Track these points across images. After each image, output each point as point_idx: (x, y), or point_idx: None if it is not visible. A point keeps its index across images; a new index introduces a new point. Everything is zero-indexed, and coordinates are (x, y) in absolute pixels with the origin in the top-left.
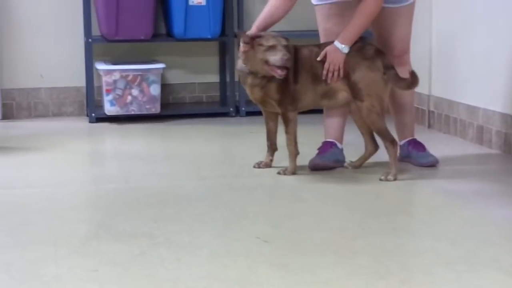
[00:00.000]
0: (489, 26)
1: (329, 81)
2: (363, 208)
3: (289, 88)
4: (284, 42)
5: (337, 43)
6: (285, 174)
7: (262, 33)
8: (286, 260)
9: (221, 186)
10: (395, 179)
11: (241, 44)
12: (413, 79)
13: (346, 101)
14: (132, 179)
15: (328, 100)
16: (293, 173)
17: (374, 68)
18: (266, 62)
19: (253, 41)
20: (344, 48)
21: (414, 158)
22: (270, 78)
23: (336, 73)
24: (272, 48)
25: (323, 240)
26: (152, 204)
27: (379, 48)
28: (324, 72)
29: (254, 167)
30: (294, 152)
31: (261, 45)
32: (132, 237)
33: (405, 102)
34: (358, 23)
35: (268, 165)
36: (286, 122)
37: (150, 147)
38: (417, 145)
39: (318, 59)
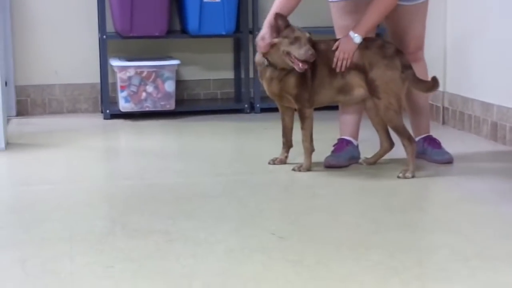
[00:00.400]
0: (504, 23)
1: (337, 69)
2: (378, 204)
3: (307, 84)
4: (308, 35)
5: (351, 33)
6: (300, 170)
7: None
8: (302, 256)
9: (236, 183)
10: (413, 176)
11: (267, 32)
12: (434, 84)
13: (362, 97)
14: (147, 175)
15: (344, 95)
16: (308, 169)
17: (392, 66)
18: (288, 54)
19: (283, 27)
20: (356, 38)
21: (429, 155)
22: (288, 72)
23: (345, 62)
24: (297, 40)
25: (338, 236)
26: (168, 200)
27: (398, 47)
28: (335, 59)
29: (269, 163)
30: (309, 149)
31: (286, 36)
32: (147, 234)
33: (420, 101)
34: (372, 15)
35: (283, 161)
36: (303, 118)
37: (165, 143)
38: (433, 142)
39: (333, 48)
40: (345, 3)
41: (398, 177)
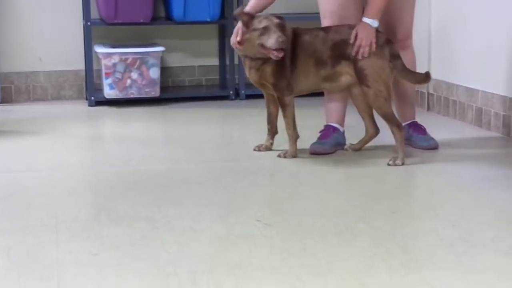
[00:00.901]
0: (488, 9)
1: (360, 56)
2: (364, 191)
3: (285, 72)
4: (277, 21)
5: (366, 19)
6: (285, 157)
7: (254, 14)
8: (288, 243)
9: (222, 169)
10: (403, 164)
11: (240, 27)
12: (426, 78)
13: (349, 84)
14: (132, 162)
15: (330, 83)
16: (294, 156)
17: (381, 56)
18: (262, 46)
19: (251, 21)
20: (374, 22)
21: (414, 141)
22: (265, 61)
23: (368, 48)
24: (266, 30)
25: (324, 223)
26: (153, 187)
27: (388, 36)
28: (355, 49)
29: (254, 150)
30: (293, 136)
31: (255, 29)
32: (133, 221)
33: (408, 89)
34: None
35: (268, 148)
36: (283, 106)
37: (150, 130)
38: (418, 128)
39: (351, 40)
40: None
41: (388, 164)
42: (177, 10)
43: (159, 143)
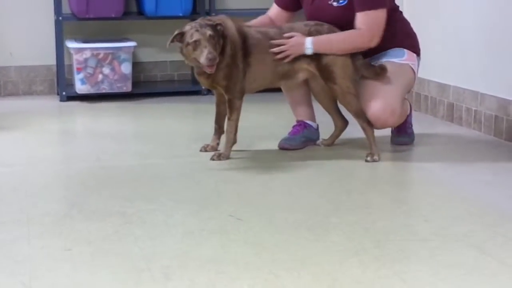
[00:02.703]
0: (458, 3)
1: (275, 57)
2: (336, 186)
3: (238, 75)
4: (209, 33)
5: (308, 41)
6: (219, 159)
7: (186, 28)
8: (260, 238)
9: (194, 165)
10: (379, 159)
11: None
12: (382, 72)
13: (304, 79)
14: (104, 157)
15: (286, 80)
16: (228, 158)
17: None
18: (196, 60)
19: (182, 37)
20: (309, 50)
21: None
22: (216, 66)
23: (286, 58)
24: (197, 44)
25: (297, 218)
26: (125, 182)
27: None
28: (276, 49)
29: (201, 150)
30: (232, 140)
31: (187, 43)
32: (105, 216)
33: None
34: (338, 43)
35: (215, 148)
36: (232, 109)
37: (122, 125)
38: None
39: (285, 35)
40: None
41: (366, 161)
42: (149, 5)
43: (131, 138)
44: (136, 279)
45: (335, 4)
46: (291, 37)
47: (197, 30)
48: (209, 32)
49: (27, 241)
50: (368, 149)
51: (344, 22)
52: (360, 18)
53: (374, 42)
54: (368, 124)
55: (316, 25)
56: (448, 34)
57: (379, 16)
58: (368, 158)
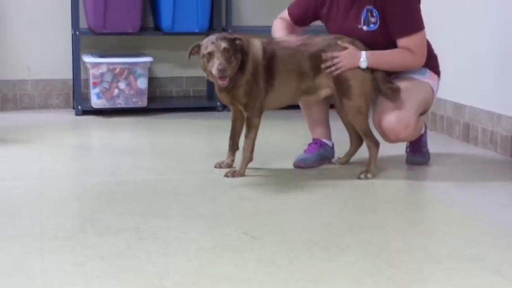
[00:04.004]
0: (475, 24)
1: (325, 69)
2: (350, 205)
3: (258, 93)
4: (223, 45)
5: (363, 54)
6: (233, 176)
7: (204, 40)
8: (274, 256)
9: (208, 181)
10: (372, 177)
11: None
12: (395, 92)
13: (326, 96)
14: (118, 172)
15: (307, 96)
16: (242, 176)
17: None
18: (211, 73)
19: (198, 49)
20: (363, 63)
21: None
22: (235, 84)
23: (336, 71)
24: (210, 55)
25: (311, 237)
26: (139, 198)
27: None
28: (328, 62)
29: (215, 167)
30: (248, 159)
31: (203, 55)
32: (118, 232)
33: None
34: (391, 59)
35: (230, 165)
36: (250, 126)
37: (137, 140)
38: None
39: (335, 54)
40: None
41: (359, 178)
42: (166, 21)
43: (146, 154)
44: None
45: (365, 28)
46: (344, 48)
47: (212, 42)
48: (223, 44)
49: (40, 256)
50: (365, 167)
51: (374, 46)
52: (405, 42)
53: (422, 63)
54: (374, 144)
55: (335, 38)
56: (463, 54)
57: (423, 37)
58: (362, 176)
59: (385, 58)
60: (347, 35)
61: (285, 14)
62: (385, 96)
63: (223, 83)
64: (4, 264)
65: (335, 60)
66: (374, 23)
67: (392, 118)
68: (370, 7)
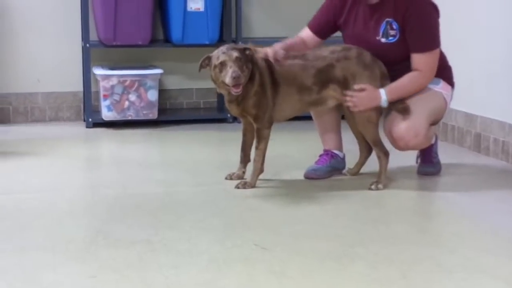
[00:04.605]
0: (487, 33)
1: (345, 105)
2: (361, 215)
3: (267, 103)
4: (235, 55)
5: (382, 93)
6: (244, 188)
7: (214, 52)
8: (285, 267)
9: (219, 193)
10: (383, 188)
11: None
12: (406, 111)
13: (334, 106)
14: (129, 185)
15: (315, 107)
16: (253, 187)
17: (374, 77)
18: (223, 83)
19: (209, 61)
20: (384, 102)
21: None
22: (244, 95)
23: (356, 109)
24: (222, 65)
25: (322, 248)
26: (150, 210)
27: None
28: (349, 102)
29: (226, 178)
30: (259, 170)
31: (214, 66)
32: (130, 244)
33: None
34: (407, 88)
35: (241, 177)
36: (260, 138)
37: (148, 152)
38: (423, 154)
39: (356, 87)
40: None
41: (370, 188)
42: (176, 33)
43: (156, 166)
44: None
45: (383, 40)
46: (363, 88)
47: (223, 53)
48: (235, 54)
49: (52, 268)
50: (376, 177)
51: (392, 58)
52: (419, 59)
53: (431, 79)
54: (384, 154)
55: (343, 50)
56: (475, 65)
57: (436, 56)
58: (373, 187)
59: (401, 91)
60: (364, 46)
61: (303, 32)
62: (396, 112)
63: (237, 90)
64: (16, 277)
65: (355, 99)
66: (394, 36)
67: (402, 126)
68: (390, 19)
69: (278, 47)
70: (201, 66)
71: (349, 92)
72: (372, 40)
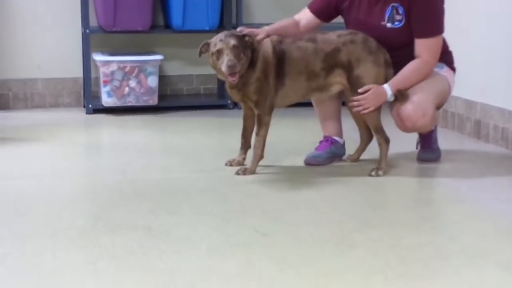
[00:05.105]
0: (487, 20)
1: (353, 110)
2: (361, 202)
3: (268, 91)
4: (233, 42)
5: (387, 89)
6: (244, 174)
7: (212, 38)
8: (285, 253)
9: (219, 179)
10: (383, 174)
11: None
12: (403, 99)
13: (338, 92)
14: (130, 171)
15: (319, 93)
16: (253, 173)
17: (378, 63)
18: (221, 70)
19: (207, 47)
20: (391, 97)
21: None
22: (246, 81)
23: (365, 111)
24: (219, 53)
25: (322, 234)
26: (150, 196)
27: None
28: (355, 103)
29: (226, 165)
30: (259, 156)
31: (212, 53)
32: (130, 230)
33: None
34: (411, 78)
35: (241, 163)
36: (260, 124)
37: (148, 139)
38: (423, 140)
39: (360, 90)
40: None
41: (370, 175)
42: (176, 19)
43: (157, 152)
44: None
45: (388, 25)
46: (367, 89)
47: (221, 40)
48: (232, 42)
49: (52, 254)
50: (376, 164)
51: (396, 43)
52: (423, 44)
53: (435, 64)
54: (385, 140)
55: (350, 34)
56: (476, 51)
57: (439, 42)
58: (373, 173)
59: (405, 83)
60: (369, 31)
61: (301, 13)
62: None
63: (233, 79)
64: (16, 263)
65: (362, 102)
66: (399, 21)
67: (409, 106)
68: (396, 4)
69: (266, 30)
70: (201, 52)
71: (354, 98)
72: (377, 25)
